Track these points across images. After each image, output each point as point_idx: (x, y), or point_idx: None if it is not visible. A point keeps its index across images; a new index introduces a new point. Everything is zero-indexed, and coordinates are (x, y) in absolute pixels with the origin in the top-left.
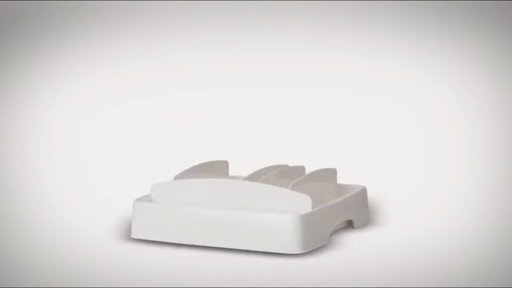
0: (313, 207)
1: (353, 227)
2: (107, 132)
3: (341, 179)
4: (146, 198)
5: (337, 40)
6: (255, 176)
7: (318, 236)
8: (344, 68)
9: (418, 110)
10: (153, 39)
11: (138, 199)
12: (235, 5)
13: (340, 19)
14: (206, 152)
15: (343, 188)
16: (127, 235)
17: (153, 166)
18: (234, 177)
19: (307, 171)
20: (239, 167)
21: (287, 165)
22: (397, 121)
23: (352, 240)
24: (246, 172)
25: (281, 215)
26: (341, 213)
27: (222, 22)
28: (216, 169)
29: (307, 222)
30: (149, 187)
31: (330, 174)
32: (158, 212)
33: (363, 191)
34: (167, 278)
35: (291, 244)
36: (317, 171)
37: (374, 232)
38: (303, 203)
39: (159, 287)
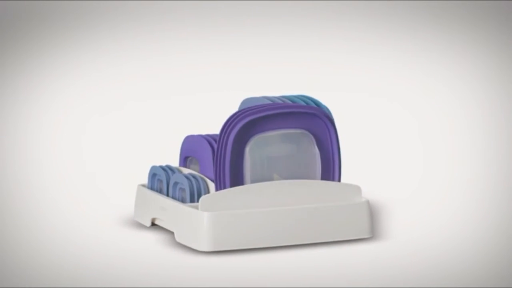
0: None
1: None
2: (108, 132)
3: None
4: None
5: (334, 40)
6: None
7: None
8: (344, 69)
9: (418, 110)
10: (153, 40)
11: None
12: (239, 4)
13: (340, 19)
14: None
15: None
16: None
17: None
18: None
19: None
20: None
21: None
22: (396, 122)
23: (352, 240)
24: None
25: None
26: None
27: (223, 22)
28: None
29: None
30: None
31: None
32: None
33: None
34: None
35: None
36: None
37: (375, 232)
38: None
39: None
